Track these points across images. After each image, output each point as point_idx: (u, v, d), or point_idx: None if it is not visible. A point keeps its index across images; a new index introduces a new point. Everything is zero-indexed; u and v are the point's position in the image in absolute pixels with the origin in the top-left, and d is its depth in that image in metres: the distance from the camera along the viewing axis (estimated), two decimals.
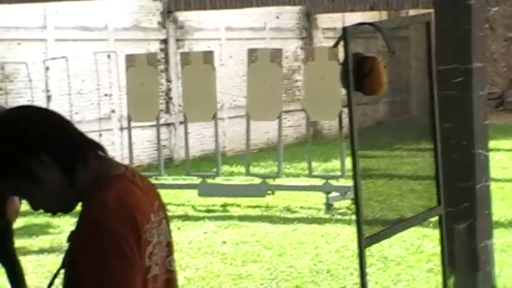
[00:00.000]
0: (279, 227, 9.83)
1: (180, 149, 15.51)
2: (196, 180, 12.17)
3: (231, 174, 13.91)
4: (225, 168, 13.93)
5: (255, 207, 11.20)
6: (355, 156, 4.58)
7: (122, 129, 14.70)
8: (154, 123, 12.86)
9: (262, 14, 17.46)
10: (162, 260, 2.31)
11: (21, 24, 13.68)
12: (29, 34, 13.80)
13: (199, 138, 15.88)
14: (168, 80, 16.04)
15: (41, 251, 8.86)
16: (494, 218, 7.56)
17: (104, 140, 13.53)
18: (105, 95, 14.84)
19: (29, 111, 2.34)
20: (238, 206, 11.31)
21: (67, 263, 2.22)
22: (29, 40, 13.79)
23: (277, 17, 18.22)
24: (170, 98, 16.07)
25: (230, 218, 10.51)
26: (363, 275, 4.64)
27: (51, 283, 2.35)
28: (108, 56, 14.77)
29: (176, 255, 2.45)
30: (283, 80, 14.07)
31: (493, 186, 7.67)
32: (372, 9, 15.60)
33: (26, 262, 8.21)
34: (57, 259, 7.77)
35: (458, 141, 6.44)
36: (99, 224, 2.15)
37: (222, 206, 11.36)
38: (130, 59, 12.43)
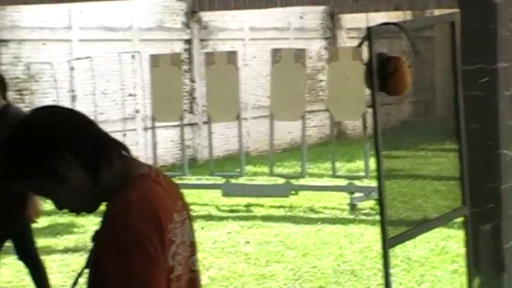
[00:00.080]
0: (302, 227, 9.82)
1: (203, 149, 15.53)
2: (220, 180, 12.18)
3: (255, 174, 13.91)
4: (249, 168, 13.93)
5: (278, 207, 11.20)
6: (379, 157, 4.56)
7: (146, 129, 14.75)
8: (178, 123, 12.89)
9: (286, 14, 17.45)
10: (185, 259, 2.31)
11: (47, 25, 13.77)
12: (54, 34, 13.89)
13: (223, 138, 15.90)
14: (192, 80, 16.07)
15: (66, 250, 8.91)
16: None
17: (128, 140, 13.59)
18: (130, 95, 14.90)
19: (53, 112, 2.35)
20: (262, 206, 11.31)
21: (91, 263, 2.23)
22: (54, 40, 13.88)
23: (301, 17, 18.20)
24: (194, 98, 16.10)
25: (254, 218, 10.51)
26: (387, 275, 4.62)
27: (75, 282, 2.36)
28: (133, 56, 14.83)
29: (199, 255, 2.46)
30: (307, 80, 14.06)
31: None
32: (396, 9, 15.54)
33: (51, 261, 8.27)
34: (82, 258, 7.81)
35: (483, 141, 6.39)
36: (123, 223, 2.15)
37: (245, 206, 11.36)
38: (155, 59, 12.47)
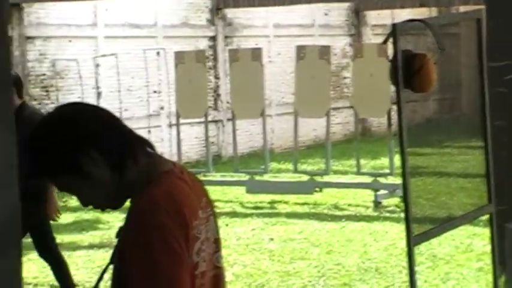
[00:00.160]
0: (326, 225, 9.81)
1: (228, 146, 15.55)
2: (244, 177, 12.18)
3: (279, 171, 13.90)
4: (273, 165, 13.93)
5: (302, 204, 11.19)
6: (404, 154, 4.54)
7: (170, 125, 14.79)
8: (202, 120, 12.91)
9: (310, 11, 17.43)
10: (209, 256, 2.31)
11: (72, 22, 13.84)
12: (80, 31, 13.95)
13: (247, 135, 15.91)
14: (217, 77, 16.09)
15: (91, 246, 8.95)
16: None
17: (153, 137, 13.62)
18: (154, 91, 14.95)
19: (78, 109, 2.36)
20: (286, 203, 11.30)
21: (116, 259, 2.23)
22: (79, 37, 13.94)
23: (326, 14, 18.16)
24: (218, 95, 16.12)
25: (278, 215, 10.51)
26: (411, 273, 4.60)
27: (100, 278, 2.37)
28: (157, 53, 14.87)
29: (224, 252, 2.46)
30: (332, 77, 14.02)
31: None
32: (421, 5, 15.45)
33: (76, 257, 8.32)
34: (107, 254, 7.84)
35: (509, 139, 6.36)
36: (148, 220, 2.16)
37: (269, 203, 11.36)
38: (179, 56, 12.49)
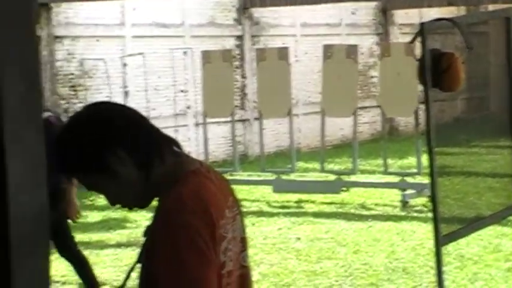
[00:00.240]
0: (353, 224, 9.78)
1: (254, 145, 15.55)
2: (271, 176, 12.18)
3: (306, 170, 13.89)
4: (300, 164, 13.91)
5: (329, 203, 11.17)
6: (432, 153, 4.52)
7: (197, 125, 14.82)
8: (229, 119, 12.93)
9: (338, 10, 17.39)
10: (236, 255, 2.31)
11: (100, 22, 13.92)
12: (107, 31, 14.03)
13: (274, 134, 15.91)
14: (243, 76, 16.10)
15: (118, 245, 8.99)
16: None
17: (180, 136, 13.66)
18: (181, 91, 14.99)
19: (106, 108, 2.37)
20: (313, 202, 11.29)
21: (143, 258, 2.24)
22: (107, 37, 14.02)
23: (353, 13, 18.12)
24: (245, 94, 16.13)
25: (304, 214, 10.50)
26: (439, 273, 4.58)
27: (127, 277, 2.38)
28: (184, 53, 14.91)
29: (250, 251, 2.46)
30: (359, 76, 13.99)
31: None
32: (449, 4, 15.36)
33: (104, 256, 8.37)
34: (134, 253, 7.88)
35: None
36: (174, 219, 2.16)
37: (296, 202, 11.35)
38: (206, 56, 12.52)
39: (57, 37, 13.44)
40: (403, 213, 10.39)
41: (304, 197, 11.49)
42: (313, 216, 10.29)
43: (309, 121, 16.49)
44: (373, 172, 13.27)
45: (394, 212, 10.56)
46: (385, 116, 12.05)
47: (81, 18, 13.70)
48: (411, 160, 13.21)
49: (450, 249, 7.76)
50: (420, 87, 4.83)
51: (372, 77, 18.20)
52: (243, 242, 2.38)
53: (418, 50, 4.78)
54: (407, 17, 18.61)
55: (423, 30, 4.50)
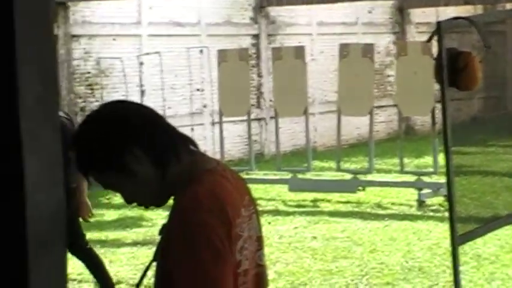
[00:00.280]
0: (369, 223, 9.76)
1: (270, 144, 15.55)
2: (286, 175, 12.18)
3: (322, 169, 13.87)
4: (316, 163, 13.90)
5: (345, 202, 11.15)
6: (449, 153, 4.51)
7: (213, 123, 14.83)
8: (245, 118, 12.92)
9: (354, 9, 17.36)
10: (252, 254, 2.31)
11: (117, 21, 13.96)
12: (124, 30, 14.07)
13: (290, 133, 15.90)
14: (259, 75, 16.10)
15: (135, 243, 9.02)
16: None
17: (196, 135, 13.68)
18: (197, 90, 15.01)
19: (122, 107, 2.38)
20: (329, 201, 11.27)
21: (159, 256, 2.24)
22: (123, 36, 14.06)
23: (370, 12, 18.08)
24: (261, 93, 16.13)
25: (320, 213, 10.49)
26: (456, 273, 4.56)
27: (143, 275, 2.39)
28: (201, 51, 14.93)
29: (266, 250, 2.45)
30: (375, 75, 13.95)
31: None
32: (466, 3, 15.30)
33: (120, 254, 8.39)
34: (150, 252, 7.90)
35: None
36: (190, 218, 2.16)
37: (312, 201, 11.35)
38: (222, 54, 12.52)
39: (74, 36, 13.49)
40: (419, 213, 10.36)
41: (320, 196, 11.48)
42: (329, 215, 10.28)
43: (325, 120, 16.47)
44: (389, 171, 13.24)
45: (411, 211, 10.53)
46: (401, 115, 12.01)
47: (98, 17, 13.75)
48: (427, 159, 13.17)
49: (467, 249, 7.73)
50: (437, 86, 4.82)
51: (389, 76, 18.15)
52: (259, 241, 2.37)
53: (434, 48, 4.76)
54: (424, 15, 18.55)
55: (440, 29, 4.48)
